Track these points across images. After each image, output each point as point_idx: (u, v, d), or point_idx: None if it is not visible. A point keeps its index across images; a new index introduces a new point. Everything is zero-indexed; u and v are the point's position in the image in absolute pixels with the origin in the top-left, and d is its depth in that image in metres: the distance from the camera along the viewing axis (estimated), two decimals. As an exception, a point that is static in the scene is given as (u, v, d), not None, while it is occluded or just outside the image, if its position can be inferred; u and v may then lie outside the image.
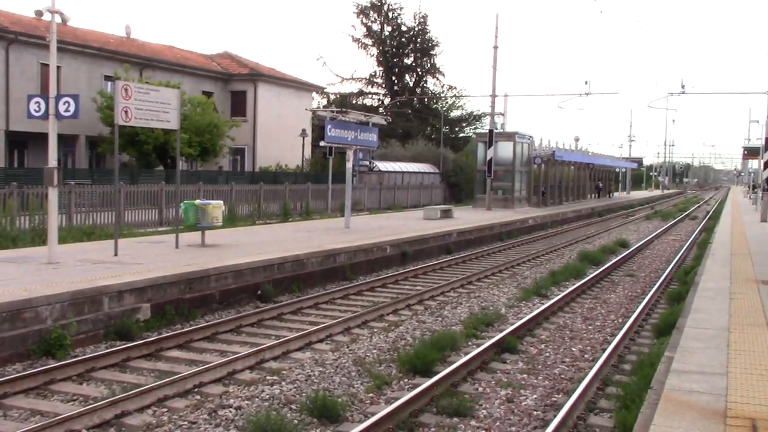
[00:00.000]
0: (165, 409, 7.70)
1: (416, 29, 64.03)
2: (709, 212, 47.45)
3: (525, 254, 22.03)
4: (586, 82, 62.02)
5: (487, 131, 37.20)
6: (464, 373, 9.01)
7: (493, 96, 37.29)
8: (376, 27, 64.06)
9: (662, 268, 19.69)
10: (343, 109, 30.23)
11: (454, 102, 66.44)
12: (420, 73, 65.21)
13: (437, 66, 65.08)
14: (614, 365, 9.70)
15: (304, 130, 43.11)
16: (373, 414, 7.34)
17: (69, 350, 9.73)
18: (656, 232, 31.00)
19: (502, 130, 39.62)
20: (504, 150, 37.90)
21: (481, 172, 37.61)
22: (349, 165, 23.46)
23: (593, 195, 58.63)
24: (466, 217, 28.86)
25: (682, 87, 37.74)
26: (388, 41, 63.89)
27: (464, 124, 67.30)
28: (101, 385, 8.57)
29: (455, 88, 66.72)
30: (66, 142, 34.10)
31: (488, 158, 35.86)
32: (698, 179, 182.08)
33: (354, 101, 61.93)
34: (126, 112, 13.88)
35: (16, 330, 9.32)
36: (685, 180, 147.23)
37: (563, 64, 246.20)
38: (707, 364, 7.11)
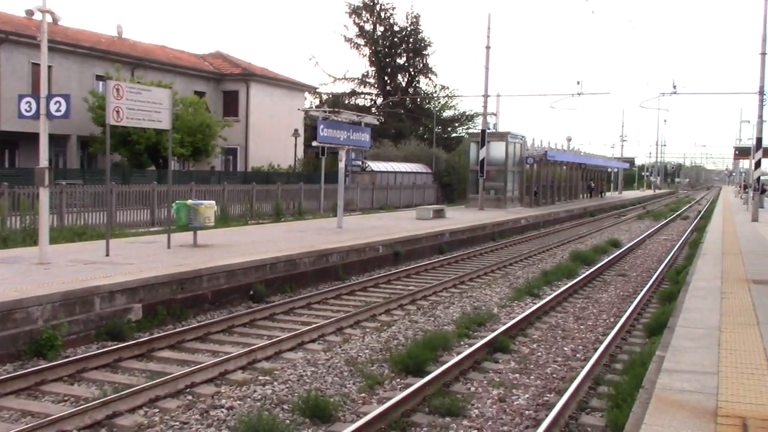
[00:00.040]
0: (157, 410, 7.68)
1: (409, 29, 64.05)
2: (700, 212, 47.63)
3: (517, 254, 22.07)
4: (578, 83, 62.16)
5: (480, 131, 37.24)
6: (456, 373, 9.02)
7: (486, 96, 37.36)
8: (368, 27, 64.05)
9: (654, 267, 19.76)
10: (336, 109, 30.26)
11: (446, 102, 66.51)
12: (412, 73, 65.22)
13: (430, 66, 65.15)
14: (606, 365, 9.72)
15: (296, 130, 43.07)
16: (365, 414, 7.34)
17: (60, 351, 9.69)
18: (648, 232, 31.10)
19: (494, 130, 39.68)
20: (496, 150, 37.96)
21: (474, 172, 37.65)
22: (341, 165, 23.44)
23: (585, 195, 58.77)
24: (459, 217, 28.88)
25: (674, 87, 38.06)
26: (380, 41, 63.87)
27: (457, 124, 67.34)
28: (92, 385, 8.54)
29: (448, 88, 66.79)
30: (57, 142, 33.95)
31: (481, 158, 35.90)
32: (690, 179, 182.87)
33: (346, 101, 61.91)
34: (117, 112, 13.84)
35: (7, 330, 9.28)
36: (676, 180, 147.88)
37: (555, 64, 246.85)
38: (698, 364, 7.14)
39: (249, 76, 45.85)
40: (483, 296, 14.87)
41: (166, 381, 8.22)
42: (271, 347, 10.02)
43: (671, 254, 22.11)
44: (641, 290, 15.30)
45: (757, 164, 31.14)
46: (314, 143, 23.28)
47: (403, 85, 64.42)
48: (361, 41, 64.13)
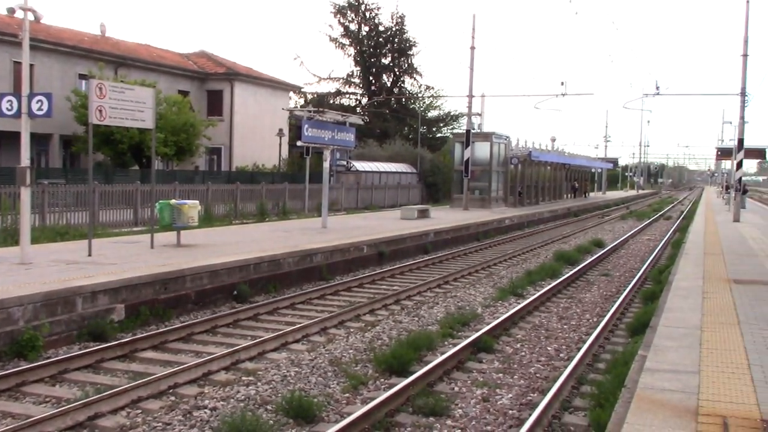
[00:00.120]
0: (139, 411, 7.63)
1: (393, 29, 64.08)
2: (683, 212, 47.96)
3: (501, 254, 22.13)
4: (562, 83, 61.83)
5: (465, 131, 37.31)
6: (440, 373, 9.03)
7: (470, 96, 37.45)
8: (353, 27, 64.03)
9: (637, 267, 19.88)
10: (320, 109, 30.12)
11: (431, 102, 66.68)
12: (397, 73, 65.27)
13: (414, 66, 65.22)
14: (589, 364, 9.77)
15: (281, 130, 43.00)
16: (349, 414, 7.34)
17: (41, 352, 9.61)
18: (631, 232, 31.29)
19: (479, 131, 39.78)
20: (481, 150, 38.03)
21: (459, 172, 37.73)
22: (326, 165, 23.42)
23: (569, 195, 59.03)
24: (444, 217, 28.93)
25: (657, 88, 38.07)
26: (365, 41, 63.87)
27: (442, 125, 67.49)
28: (74, 386, 8.48)
29: (433, 88, 66.97)
30: (39, 141, 33.67)
31: (465, 158, 35.98)
32: (673, 180, 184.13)
33: (331, 101, 61.82)
34: (100, 111, 13.75)
35: (-13, 331, 9.20)
36: (659, 180, 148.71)
37: (540, 65, 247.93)
38: (680, 363, 7.20)
39: (233, 75, 45.71)
40: (467, 296, 14.90)
41: (148, 382, 8.18)
42: (254, 347, 10.00)
43: (654, 254, 22.25)
44: (624, 290, 15.39)
45: (739, 165, 31.41)
46: (299, 143, 23.19)
47: (388, 85, 64.46)
48: (346, 41, 64.13)
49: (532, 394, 8.48)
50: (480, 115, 41.99)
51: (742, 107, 29.36)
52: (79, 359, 9.23)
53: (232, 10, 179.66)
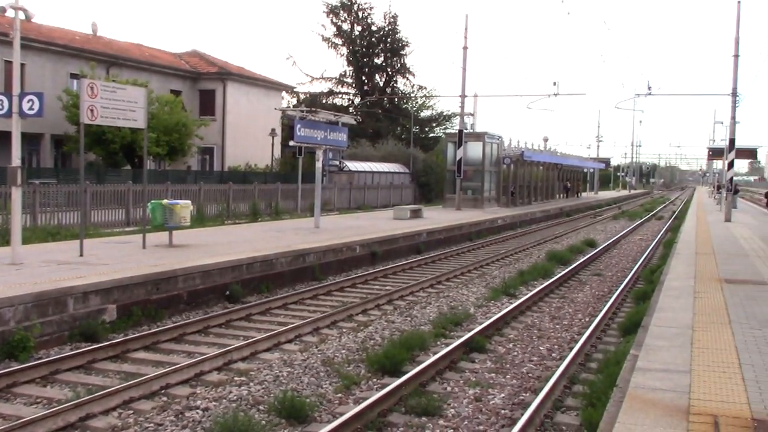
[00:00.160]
0: (131, 411, 7.61)
1: (386, 29, 64.05)
2: (674, 212, 48.15)
3: (494, 254, 22.16)
4: (554, 83, 62.26)
5: (457, 131, 37.34)
6: (433, 373, 9.04)
7: (463, 96, 37.44)
8: (346, 26, 63.98)
9: (629, 267, 19.94)
10: (313, 109, 30.20)
11: (424, 102, 66.68)
12: (390, 73, 65.25)
13: (407, 66, 65.20)
14: (581, 364, 9.79)
15: (273, 130, 42.91)
16: (341, 414, 7.34)
17: (32, 352, 9.57)
18: (623, 232, 31.38)
19: (471, 131, 39.82)
20: (473, 150, 38.08)
21: (451, 172, 37.76)
22: (318, 165, 23.40)
23: (561, 195, 59.15)
24: (436, 217, 28.95)
25: (649, 88, 38.07)
26: (358, 41, 63.83)
27: (434, 125, 67.53)
28: (66, 387, 8.45)
29: (425, 88, 67.05)
30: (30, 140, 33.49)
31: (458, 158, 36.01)
32: (664, 179, 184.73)
33: (324, 101, 61.79)
34: (92, 110, 13.70)
35: (-22, 332, 9.15)
36: (651, 180, 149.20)
37: (532, 65, 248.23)
38: (671, 362, 7.22)
39: (226, 75, 45.60)
40: (460, 296, 14.91)
41: (140, 382, 8.16)
42: (247, 348, 9.98)
43: (646, 254, 22.32)
44: (616, 290, 15.44)
45: (730, 165, 31.55)
46: (291, 143, 23.17)
47: (381, 85, 64.43)
48: (338, 41, 64.07)
49: (524, 394, 8.49)
50: (473, 115, 42.06)
51: (734, 107, 29.51)
52: (70, 360, 9.20)
53: (225, 9, 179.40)
